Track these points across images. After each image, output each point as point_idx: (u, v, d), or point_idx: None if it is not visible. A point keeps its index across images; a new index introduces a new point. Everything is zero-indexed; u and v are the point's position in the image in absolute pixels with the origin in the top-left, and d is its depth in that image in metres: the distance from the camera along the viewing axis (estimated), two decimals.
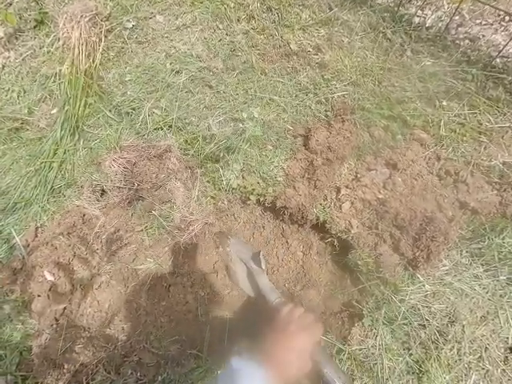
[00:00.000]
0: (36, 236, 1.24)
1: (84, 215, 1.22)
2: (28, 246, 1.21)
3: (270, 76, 1.48)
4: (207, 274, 1.26)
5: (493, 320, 0.99)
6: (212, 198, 1.29)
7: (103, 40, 1.68)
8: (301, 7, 1.64)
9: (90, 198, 1.24)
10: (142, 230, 1.22)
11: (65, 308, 1.08)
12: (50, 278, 1.11)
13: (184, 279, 1.21)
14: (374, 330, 1.02)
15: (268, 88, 1.45)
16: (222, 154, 1.28)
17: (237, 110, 1.39)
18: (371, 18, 1.52)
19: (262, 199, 1.25)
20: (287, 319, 0.75)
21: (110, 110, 1.52)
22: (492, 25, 1.46)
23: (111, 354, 1.03)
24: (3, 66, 1.78)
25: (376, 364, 0.98)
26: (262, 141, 1.30)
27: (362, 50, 1.47)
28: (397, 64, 1.41)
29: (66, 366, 0.98)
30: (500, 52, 1.28)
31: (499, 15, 1.35)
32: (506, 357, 0.96)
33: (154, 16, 1.74)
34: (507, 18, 1.44)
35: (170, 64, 1.58)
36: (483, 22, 1.48)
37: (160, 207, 1.22)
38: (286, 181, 1.21)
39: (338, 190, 1.17)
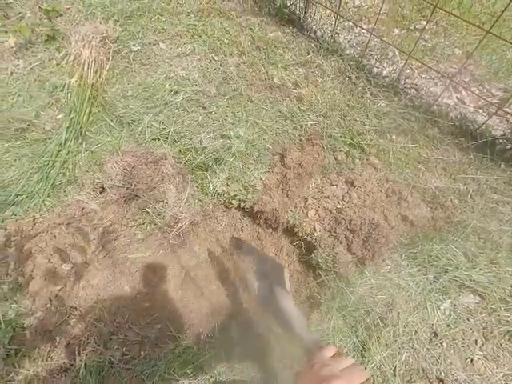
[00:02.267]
0: (34, 225, 1.37)
1: (83, 209, 1.37)
2: (22, 232, 1.32)
3: (256, 103, 1.75)
4: (192, 266, 1.42)
5: (422, 310, 1.24)
6: (199, 200, 1.48)
7: (110, 59, 1.90)
8: (284, 49, 1.96)
9: (90, 194, 1.39)
10: (135, 225, 1.39)
11: (60, 290, 1.20)
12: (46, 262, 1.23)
13: (168, 270, 1.37)
14: (329, 316, 1.23)
15: (253, 113, 1.71)
16: (210, 164, 1.50)
17: (225, 129, 1.63)
18: (340, 64, 1.85)
19: (242, 204, 1.46)
20: (322, 361, 0.62)
21: (112, 120, 1.70)
22: (433, 79, 1.84)
23: (100, 330, 1.15)
24: (11, 73, 1.94)
25: (329, 343, 1.18)
26: (246, 156, 1.54)
27: (331, 89, 1.78)
28: (359, 103, 1.73)
29: (58, 339, 1.09)
30: (436, 101, 1.63)
31: (439, 72, 1.72)
32: (431, 339, 1.19)
33: (158, 43, 2.00)
34: (445, 74, 1.83)
35: (169, 85, 1.81)
36: (427, 77, 1.85)
37: (153, 205, 1.40)
38: (264, 190, 1.44)
39: (306, 200, 1.41)
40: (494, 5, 2.16)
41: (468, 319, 1.22)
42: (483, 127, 1.52)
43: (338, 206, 1.38)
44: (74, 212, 1.35)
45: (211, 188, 1.46)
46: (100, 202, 1.39)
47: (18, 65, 1.96)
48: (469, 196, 1.43)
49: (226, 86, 1.81)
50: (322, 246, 1.34)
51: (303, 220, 1.39)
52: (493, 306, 1.22)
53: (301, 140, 1.61)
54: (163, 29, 2.06)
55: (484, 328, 1.20)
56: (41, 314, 1.15)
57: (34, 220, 1.38)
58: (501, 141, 1.51)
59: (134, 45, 1.97)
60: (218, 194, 1.47)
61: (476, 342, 1.19)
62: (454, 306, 1.24)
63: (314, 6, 1.98)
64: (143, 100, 1.77)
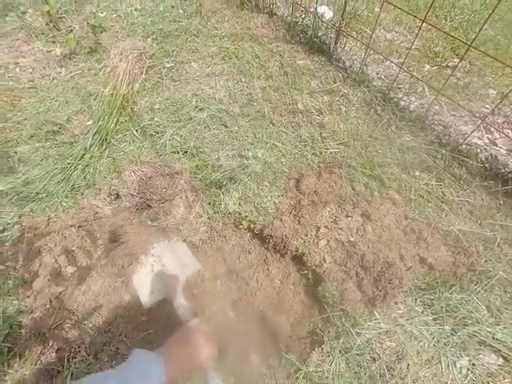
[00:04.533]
0: (48, 224, 1.40)
1: (96, 213, 1.40)
2: (35, 230, 1.36)
3: (277, 126, 1.75)
4: (194, 283, 1.39)
5: (436, 364, 1.12)
6: (209, 218, 1.47)
7: (144, 73, 2.00)
8: (311, 77, 1.98)
9: (105, 199, 1.42)
10: (139, 235, 1.38)
11: (61, 292, 1.21)
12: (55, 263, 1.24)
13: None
14: (331, 357, 1.14)
15: (274, 135, 1.71)
16: (225, 182, 1.49)
17: (244, 149, 1.64)
18: (366, 95, 1.84)
19: (252, 226, 1.43)
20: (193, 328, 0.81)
21: (136, 130, 1.76)
22: (463, 117, 1.78)
23: (93, 339, 1.12)
24: (53, 79, 2.08)
25: None
26: (261, 177, 1.52)
27: (355, 119, 1.76)
28: (382, 135, 1.69)
29: (50, 343, 1.08)
30: (465, 140, 1.57)
31: (469, 111, 1.66)
32: None
33: (190, 62, 2.09)
34: (477, 114, 1.76)
35: (195, 102, 1.87)
36: (457, 115, 1.80)
37: (162, 217, 1.40)
38: (276, 213, 1.41)
39: (318, 229, 1.36)
40: None
41: (488, 382, 1.09)
42: None
43: (352, 239, 1.31)
44: (87, 215, 1.38)
45: (223, 206, 1.45)
46: (113, 208, 1.41)
47: (60, 72, 2.11)
48: (496, 244, 1.32)
49: (249, 107, 1.84)
50: (330, 279, 1.27)
51: (313, 250, 1.33)
52: None
53: (319, 167, 1.59)
54: (197, 49, 2.15)
55: None
56: (39, 313, 1.15)
57: (48, 219, 1.42)
58: None
59: (168, 62, 2.07)
60: (230, 212, 1.45)
61: None
62: (473, 365, 1.11)
63: (344, 38, 2.00)
64: (169, 114, 1.83)
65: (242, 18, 2.36)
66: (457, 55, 2.23)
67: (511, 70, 1.91)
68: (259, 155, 1.60)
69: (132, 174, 1.44)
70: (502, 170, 1.48)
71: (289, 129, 1.75)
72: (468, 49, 1.33)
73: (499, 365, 1.11)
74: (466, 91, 1.96)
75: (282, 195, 1.47)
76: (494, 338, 1.13)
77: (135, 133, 1.74)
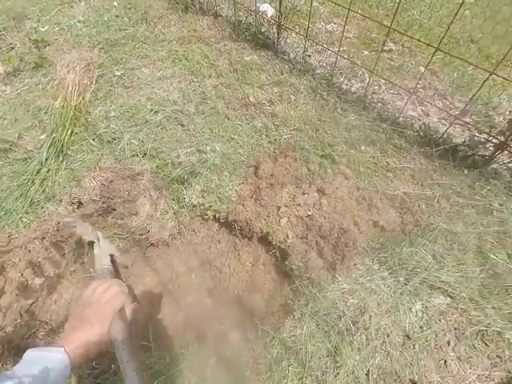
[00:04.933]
0: (10, 241, 1.38)
1: (59, 223, 1.39)
2: None
3: (232, 120, 1.83)
4: (168, 279, 1.43)
5: (394, 312, 1.24)
6: (175, 213, 1.51)
7: (94, 83, 2.00)
8: (260, 71, 2.09)
9: (67, 208, 1.42)
10: (109, 237, 1.40)
11: (31, 304, 1.20)
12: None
13: (144, 283, 1.37)
14: (302, 322, 1.23)
15: (229, 129, 1.78)
16: (186, 177, 1.55)
17: (202, 144, 1.70)
18: (312, 82, 1.97)
19: (217, 215, 1.49)
20: (90, 296, 0.72)
21: (93, 139, 1.77)
22: (400, 94, 1.95)
23: None
24: None
25: (301, 349, 1.17)
26: (221, 168, 1.59)
27: (304, 105, 1.88)
28: (330, 117, 1.82)
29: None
30: (401, 113, 1.73)
31: (402, 88, 1.83)
32: (404, 342, 1.19)
33: (140, 68, 2.11)
34: (411, 90, 1.94)
35: (150, 105, 1.90)
36: (394, 92, 1.97)
37: (128, 218, 1.42)
38: (238, 200, 1.48)
39: (278, 209, 1.45)
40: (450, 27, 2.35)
41: (440, 320, 1.23)
42: (445, 136, 1.61)
43: (310, 213, 1.42)
44: (50, 227, 1.37)
45: (187, 200, 1.50)
46: (77, 216, 1.42)
47: (5, 90, 2.05)
48: (435, 200, 1.49)
49: (204, 105, 1.91)
50: (294, 252, 1.36)
51: (276, 228, 1.42)
52: (463, 307, 1.24)
53: (275, 153, 1.68)
54: (146, 55, 2.18)
55: (456, 329, 1.21)
56: (10, 328, 1.14)
57: (9, 236, 1.39)
58: (462, 148, 1.59)
59: (118, 70, 2.08)
60: (194, 205, 1.51)
61: (448, 343, 1.19)
62: (426, 307, 1.25)
63: (285, 32, 2.13)
64: (124, 120, 1.84)
65: (187, 21, 2.42)
66: (391, 40, 2.44)
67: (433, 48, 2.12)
68: (217, 148, 1.67)
69: (92, 180, 1.45)
70: (435, 136, 1.66)
71: (243, 121, 1.83)
72: (389, 31, 1.49)
73: (447, 303, 1.26)
74: (400, 71, 2.15)
75: (243, 182, 1.55)
76: (440, 281, 1.28)
77: (92, 141, 1.75)
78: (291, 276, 1.38)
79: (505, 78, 1.34)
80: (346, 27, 2.51)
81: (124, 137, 1.74)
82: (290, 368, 1.16)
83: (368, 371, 1.13)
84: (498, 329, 1.18)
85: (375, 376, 1.12)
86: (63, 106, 1.82)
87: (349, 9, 1.57)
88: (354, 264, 1.33)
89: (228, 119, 1.84)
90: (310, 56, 2.14)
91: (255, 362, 1.18)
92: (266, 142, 1.74)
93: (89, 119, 1.86)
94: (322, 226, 1.36)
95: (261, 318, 1.33)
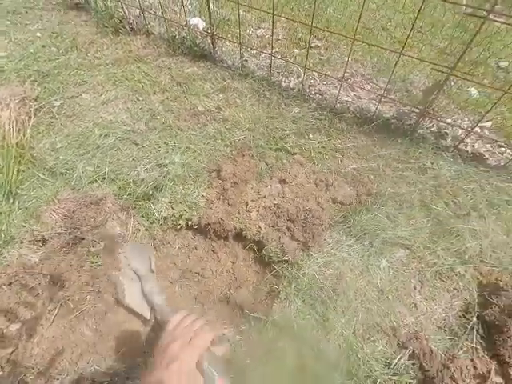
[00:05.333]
0: None
1: (25, 264, 1.33)
2: None
3: (185, 131, 1.89)
4: None
5: (366, 273, 1.39)
6: (147, 229, 1.52)
7: (33, 117, 1.92)
8: (202, 80, 2.17)
9: (30, 248, 1.36)
10: (82, 267, 1.37)
11: (12, 352, 1.13)
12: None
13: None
14: (289, 301, 1.32)
15: (184, 140, 1.83)
16: (151, 192, 1.56)
17: (161, 158, 1.73)
18: (253, 84, 2.10)
19: (189, 223, 1.53)
20: (172, 335, 0.65)
21: (43, 174, 1.70)
22: (333, 84, 2.16)
23: (62, 382, 1.09)
24: None
25: (293, 325, 1.26)
26: (184, 178, 1.64)
27: (251, 106, 2.00)
28: (276, 113, 1.96)
29: None
30: (337, 100, 1.93)
31: (333, 77, 2.04)
32: (379, 296, 1.34)
33: (80, 95, 2.07)
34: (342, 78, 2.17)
35: (98, 130, 1.88)
36: (328, 83, 2.17)
37: (100, 244, 1.40)
38: (207, 204, 1.54)
39: (246, 204, 1.54)
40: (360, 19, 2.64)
41: (404, 271, 1.40)
42: (377, 113, 1.83)
43: (276, 202, 1.52)
44: (16, 270, 1.30)
45: (156, 214, 1.52)
46: (43, 253, 1.36)
47: None
48: (380, 170, 1.68)
49: (154, 121, 1.93)
50: (269, 240, 1.45)
51: (248, 222, 1.50)
52: (420, 254, 1.43)
53: (232, 154, 1.77)
54: (84, 81, 2.15)
55: (418, 274, 1.39)
56: None
57: None
58: (392, 121, 1.82)
59: (56, 100, 2.02)
60: (165, 218, 1.53)
61: (415, 287, 1.36)
62: (391, 262, 1.42)
63: (219, 41, 2.24)
64: (74, 149, 1.80)
65: (120, 43, 2.42)
66: (316, 37, 2.68)
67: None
68: (176, 160, 1.71)
69: (52, 213, 1.40)
70: (368, 115, 1.88)
71: (197, 130, 1.89)
72: (311, 29, 1.66)
73: (407, 255, 1.44)
74: (329, 63, 2.37)
75: (208, 187, 1.61)
76: (398, 237, 1.46)
77: (43, 176, 1.68)
78: (270, 263, 1.47)
79: (411, 56, 1.58)
80: (275, 30, 2.70)
81: (77, 166, 1.70)
82: (287, 345, 1.24)
83: (354, 329, 1.25)
84: (449, 266, 1.38)
85: (361, 331, 1.25)
86: (3, 145, 1.72)
87: (273, 14, 1.73)
88: (324, 239, 1.46)
89: (181, 130, 1.89)
90: (247, 60, 2.28)
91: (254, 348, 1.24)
92: (222, 145, 1.82)
93: (34, 154, 1.78)
94: (288, 211, 1.47)
95: (250, 308, 1.40)
